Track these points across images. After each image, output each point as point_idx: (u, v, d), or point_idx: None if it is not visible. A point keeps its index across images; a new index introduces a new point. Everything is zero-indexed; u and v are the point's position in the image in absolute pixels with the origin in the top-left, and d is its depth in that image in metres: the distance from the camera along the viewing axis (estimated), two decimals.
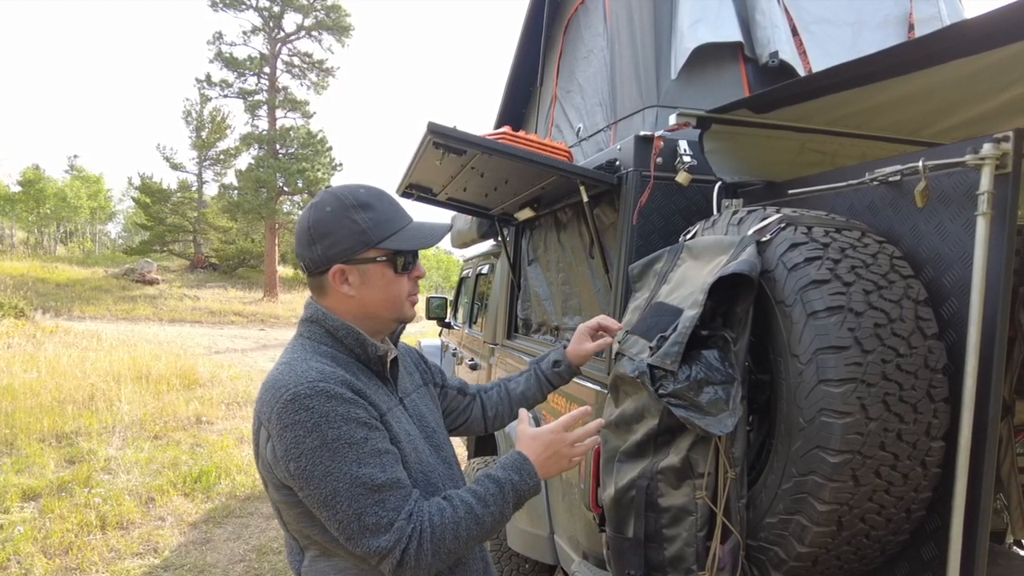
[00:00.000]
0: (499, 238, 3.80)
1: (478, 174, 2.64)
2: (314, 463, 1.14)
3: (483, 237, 4.35)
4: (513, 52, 4.10)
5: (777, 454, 1.46)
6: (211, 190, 34.23)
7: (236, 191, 31.37)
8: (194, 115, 32.49)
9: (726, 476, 1.48)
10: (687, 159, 2.13)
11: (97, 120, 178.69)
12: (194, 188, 33.44)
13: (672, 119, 1.96)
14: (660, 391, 1.44)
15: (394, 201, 1.40)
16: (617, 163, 2.23)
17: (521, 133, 2.29)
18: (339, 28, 31.88)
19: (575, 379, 2.46)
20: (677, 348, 1.42)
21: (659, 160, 2.13)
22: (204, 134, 32.58)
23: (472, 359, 4.59)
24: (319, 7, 31.45)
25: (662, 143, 2.12)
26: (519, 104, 4.19)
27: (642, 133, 2.14)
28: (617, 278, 2.16)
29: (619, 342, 1.76)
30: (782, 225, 1.52)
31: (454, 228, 5.03)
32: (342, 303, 1.34)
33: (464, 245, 5.12)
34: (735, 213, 1.68)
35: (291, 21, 32.07)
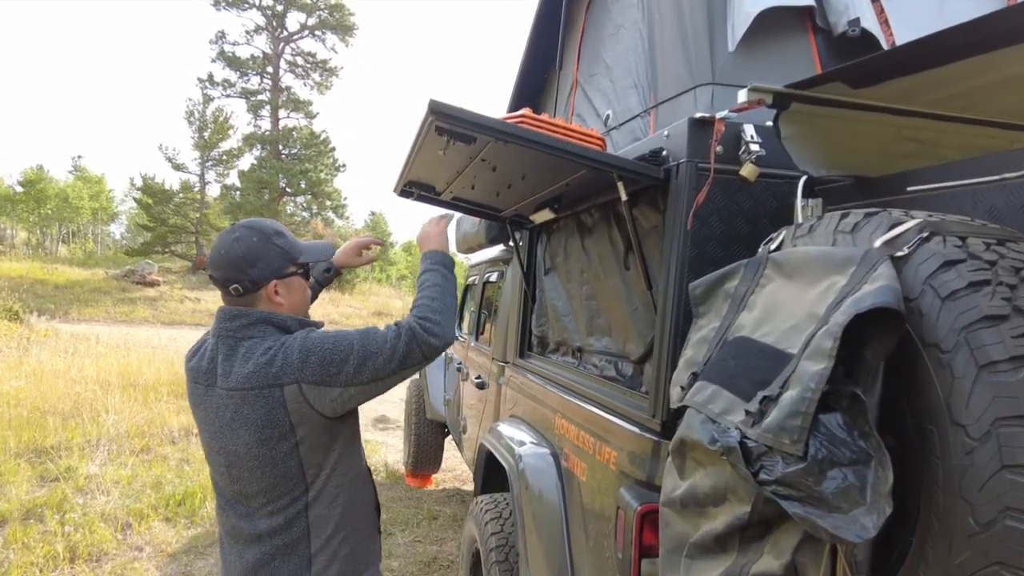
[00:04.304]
0: (510, 243, 3.37)
1: (489, 168, 2.21)
2: (348, 354, 1.55)
3: (492, 242, 3.91)
4: (526, 38, 3.67)
5: (925, 563, 1.02)
6: (213, 191, 33.88)
7: (238, 192, 31.06)
8: (196, 115, 32.10)
9: None
10: (754, 147, 1.69)
11: (100, 120, 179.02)
12: (196, 189, 33.01)
13: (742, 95, 1.52)
14: (762, 476, 1.00)
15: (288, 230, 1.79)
16: (664, 153, 1.79)
17: (544, 116, 1.86)
18: (343, 27, 31.54)
19: (610, 417, 2.04)
20: (800, 421, 0.97)
21: (719, 149, 1.69)
22: (206, 134, 32.19)
23: (479, 376, 4.16)
24: (322, 6, 31.12)
25: (723, 127, 1.68)
26: (532, 93, 3.76)
27: (698, 115, 1.71)
28: (667, 297, 1.72)
29: (681, 388, 1.33)
30: (924, 234, 1.08)
31: (459, 231, 4.59)
32: (274, 310, 1.67)
33: (470, 250, 4.68)
34: (845, 217, 1.24)
35: (294, 20, 31.84)
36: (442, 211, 2.13)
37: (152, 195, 30.98)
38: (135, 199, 34.65)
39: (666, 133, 1.81)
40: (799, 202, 1.57)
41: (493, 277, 4.35)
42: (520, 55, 3.78)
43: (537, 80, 3.72)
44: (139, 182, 31.58)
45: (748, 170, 1.69)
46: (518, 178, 2.32)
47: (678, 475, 1.26)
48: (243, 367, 1.54)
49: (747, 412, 1.07)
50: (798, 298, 1.19)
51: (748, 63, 1.99)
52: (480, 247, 4.34)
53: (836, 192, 1.73)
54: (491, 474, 3.15)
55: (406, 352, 1.57)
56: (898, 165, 1.77)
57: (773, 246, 1.39)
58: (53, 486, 5.41)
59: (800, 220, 1.53)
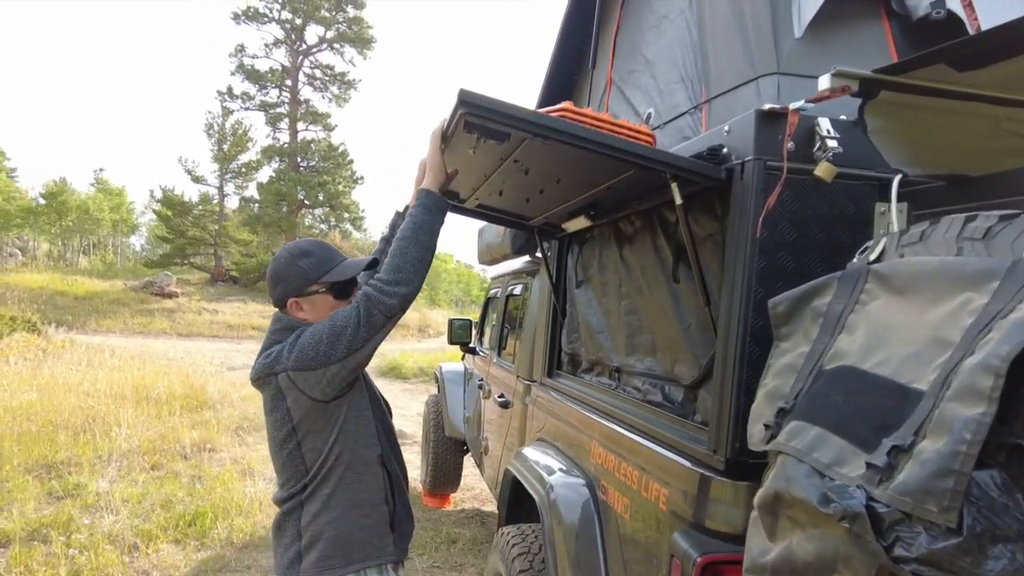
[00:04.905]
0: (538, 254, 3.16)
1: (521, 170, 2.01)
2: (321, 337, 1.70)
3: (518, 253, 3.70)
4: (554, 40, 3.47)
5: None
6: (232, 203, 34.00)
7: (257, 204, 31.18)
8: (216, 128, 32.30)
9: None
10: (831, 143, 1.47)
11: (122, 133, 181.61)
12: (215, 201, 33.16)
13: (824, 81, 1.31)
14: (898, 552, 0.77)
15: (331, 247, 1.94)
16: (725, 150, 1.58)
17: (587, 110, 1.65)
18: (361, 40, 31.69)
19: (659, 449, 1.82)
20: (952, 483, 0.75)
21: (789, 146, 1.48)
22: (226, 147, 32.37)
23: (502, 394, 3.94)
24: (341, 19, 31.30)
25: (797, 120, 1.47)
26: (561, 97, 3.55)
27: (766, 107, 1.49)
28: (731, 314, 1.50)
29: (766, 425, 1.10)
30: None
31: (482, 241, 4.40)
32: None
33: (493, 261, 4.48)
34: (971, 220, 1.02)
35: (313, 33, 32.00)
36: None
37: (171, 207, 31.16)
38: (155, 211, 34.95)
39: (726, 128, 1.60)
40: (894, 205, 1.34)
41: (517, 290, 4.14)
42: (543, 62, 3.60)
43: (565, 83, 3.52)
44: (159, 194, 31.82)
45: (824, 169, 1.47)
46: (552, 182, 2.11)
47: (767, 536, 1.03)
48: (257, 363, 1.83)
49: (869, 465, 0.85)
50: (916, 319, 0.97)
51: (816, 51, 1.78)
52: (504, 258, 4.13)
53: (924, 195, 1.51)
54: (517, 502, 2.93)
55: (367, 318, 1.68)
56: (994, 164, 1.54)
57: (872, 256, 1.17)
58: (61, 504, 5.25)
59: (896, 226, 1.30)
